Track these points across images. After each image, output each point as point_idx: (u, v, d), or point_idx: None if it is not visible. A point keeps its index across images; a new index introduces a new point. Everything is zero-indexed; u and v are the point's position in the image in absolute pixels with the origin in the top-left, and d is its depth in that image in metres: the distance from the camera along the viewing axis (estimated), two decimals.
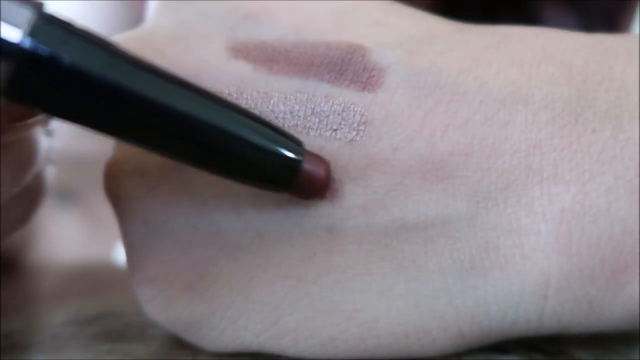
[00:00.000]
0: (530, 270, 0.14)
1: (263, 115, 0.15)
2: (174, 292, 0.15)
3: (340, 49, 0.15)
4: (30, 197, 0.17)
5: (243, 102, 0.15)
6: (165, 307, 0.15)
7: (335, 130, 0.15)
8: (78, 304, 0.25)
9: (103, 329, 0.19)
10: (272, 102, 0.15)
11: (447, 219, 0.14)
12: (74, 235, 0.35)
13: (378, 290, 0.15)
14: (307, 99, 0.15)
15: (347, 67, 0.15)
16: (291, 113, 0.15)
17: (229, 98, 0.15)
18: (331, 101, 0.15)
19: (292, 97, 0.15)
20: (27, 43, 0.11)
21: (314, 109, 0.15)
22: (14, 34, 0.11)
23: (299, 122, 0.15)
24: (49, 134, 0.17)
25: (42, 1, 0.12)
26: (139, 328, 0.19)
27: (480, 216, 0.14)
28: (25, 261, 0.30)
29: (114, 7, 0.50)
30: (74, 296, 0.26)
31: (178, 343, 0.17)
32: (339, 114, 0.15)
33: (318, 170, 0.14)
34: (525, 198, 0.14)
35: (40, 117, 0.15)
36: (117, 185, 0.16)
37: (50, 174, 0.19)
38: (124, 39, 0.16)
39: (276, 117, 0.15)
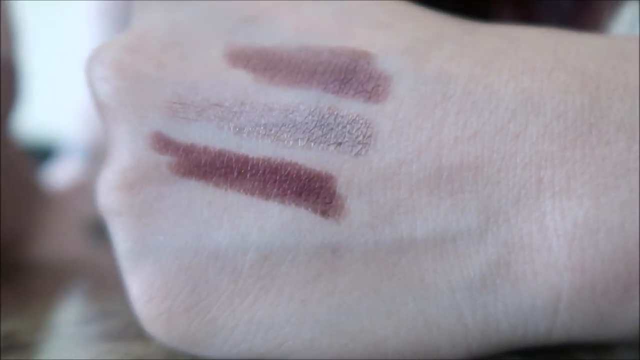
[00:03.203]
0: (542, 287, 0.14)
1: (266, 128, 0.14)
2: (174, 314, 0.15)
3: (344, 56, 0.15)
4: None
5: (244, 115, 0.14)
6: (166, 328, 0.15)
7: (340, 143, 0.14)
8: (78, 304, 0.25)
9: (103, 329, 0.19)
10: (273, 114, 0.14)
11: (457, 235, 0.14)
12: (75, 235, 0.35)
13: (386, 310, 0.14)
14: (310, 111, 0.14)
15: (351, 75, 0.14)
16: (294, 126, 0.14)
17: (228, 109, 0.15)
18: (335, 113, 0.14)
19: (294, 109, 0.14)
20: None
21: (317, 121, 0.14)
22: None
23: (301, 136, 0.14)
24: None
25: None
26: (139, 328, 0.18)
27: (490, 232, 0.14)
28: (25, 261, 0.30)
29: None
30: (74, 296, 0.26)
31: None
32: (344, 127, 0.14)
33: None
34: (537, 213, 0.14)
35: None
36: (110, 202, 0.15)
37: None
38: (112, 47, 0.15)
39: (279, 130, 0.14)
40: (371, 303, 0.14)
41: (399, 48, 0.15)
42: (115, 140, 0.15)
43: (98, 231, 0.36)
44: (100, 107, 0.15)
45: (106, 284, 0.27)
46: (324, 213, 0.14)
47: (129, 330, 0.19)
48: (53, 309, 0.23)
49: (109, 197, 0.15)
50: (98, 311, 0.22)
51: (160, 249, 0.15)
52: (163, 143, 0.15)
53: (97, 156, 0.48)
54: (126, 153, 0.15)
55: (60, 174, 0.49)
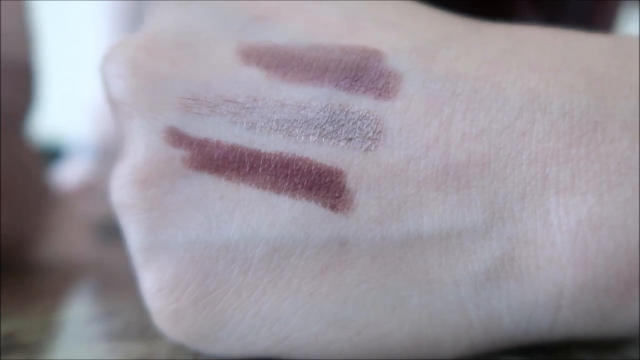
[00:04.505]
0: (544, 281, 0.14)
1: (278, 124, 0.14)
2: (183, 306, 0.15)
3: (355, 54, 0.15)
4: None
5: (256, 110, 0.15)
6: (174, 320, 0.15)
7: (351, 139, 0.14)
8: (80, 304, 0.25)
9: (103, 329, 0.19)
10: (285, 110, 0.15)
11: (463, 230, 0.14)
12: (80, 235, 0.35)
13: (391, 304, 0.14)
14: (322, 107, 0.15)
15: (362, 73, 0.15)
16: (305, 122, 0.14)
17: (241, 105, 0.15)
18: (346, 109, 0.14)
19: (306, 105, 0.15)
20: None
21: (328, 117, 0.14)
22: None
23: (313, 131, 0.14)
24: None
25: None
26: (139, 328, 0.18)
27: (496, 227, 0.14)
28: (29, 261, 0.30)
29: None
30: (74, 296, 0.26)
31: (179, 343, 0.16)
32: (354, 123, 0.14)
33: None
34: (541, 209, 0.14)
35: None
36: (123, 196, 0.15)
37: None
38: (126, 46, 0.15)
39: (290, 126, 0.15)
40: (377, 296, 0.14)
41: (408, 47, 0.15)
42: (129, 136, 0.15)
43: (105, 232, 0.36)
44: (114, 104, 0.15)
45: (108, 284, 0.27)
46: (333, 207, 0.14)
47: (131, 330, 0.19)
48: (54, 309, 0.23)
49: (122, 191, 0.15)
50: (99, 311, 0.22)
51: (172, 241, 0.15)
52: (177, 137, 0.15)
53: (105, 157, 0.48)
54: (140, 147, 0.15)
55: (68, 175, 0.49)
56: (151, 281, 0.15)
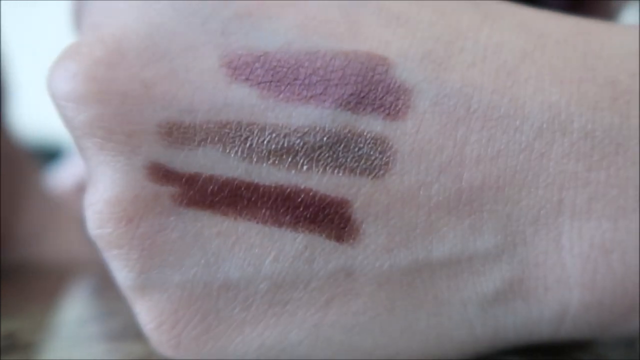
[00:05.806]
0: (551, 301, 0.14)
1: (277, 153, 0.13)
2: (184, 340, 0.14)
3: (358, 63, 0.13)
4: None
5: (251, 138, 0.13)
6: (175, 353, 0.14)
7: (357, 166, 0.13)
8: (78, 304, 0.25)
9: (103, 329, 0.19)
10: (284, 136, 0.13)
11: (473, 254, 0.14)
12: (77, 236, 0.35)
13: (399, 328, 0.14)
14: (325, 131, 0.13)
15: (367, 88, 0.13)
16: (307, 149, 0.13)
17: (234, 132, 0.13)
18: (352, 133, 0.13)
19: (308, 129, 0.13)
20: None
21: (332, 143, 0.13)
22: None
23: (316, 160, 0.13)
24: None
25: None
26: (139, 328, 0.18)
27: (507, 251, 0.14)
28: (27, 261, 0.30)
29: None
30: (74, 296, 0.26)
31: None
32: (360, 149, 0.13)
33: None
34: (554, 232, 0.13)
35: None
36: (107, 234, 0.13)
37: None
38: (80, 61, 0.13)
39: (290, 154, 0.13)
40: (385, 322, 0.14)
41: (418, 52, 0.13)
42: (101, 169, 0.13)
43: None
44: (76, 132, 0.13)
45: (107, 284, 0.27)
46: (339, 238, 0.13)
47: (129, 330, 0.19)
48: (53, 309, 0.23)
49: (104, 229, 0.13)
50: (98, 311, 0.22)
51: (167, 281, 0.14)
52: (161, 174, 0.13)
53: None
54: (120, 185, 0.13)
55: (64, 175, 0.49)
56: (149, 317, 0.14)
